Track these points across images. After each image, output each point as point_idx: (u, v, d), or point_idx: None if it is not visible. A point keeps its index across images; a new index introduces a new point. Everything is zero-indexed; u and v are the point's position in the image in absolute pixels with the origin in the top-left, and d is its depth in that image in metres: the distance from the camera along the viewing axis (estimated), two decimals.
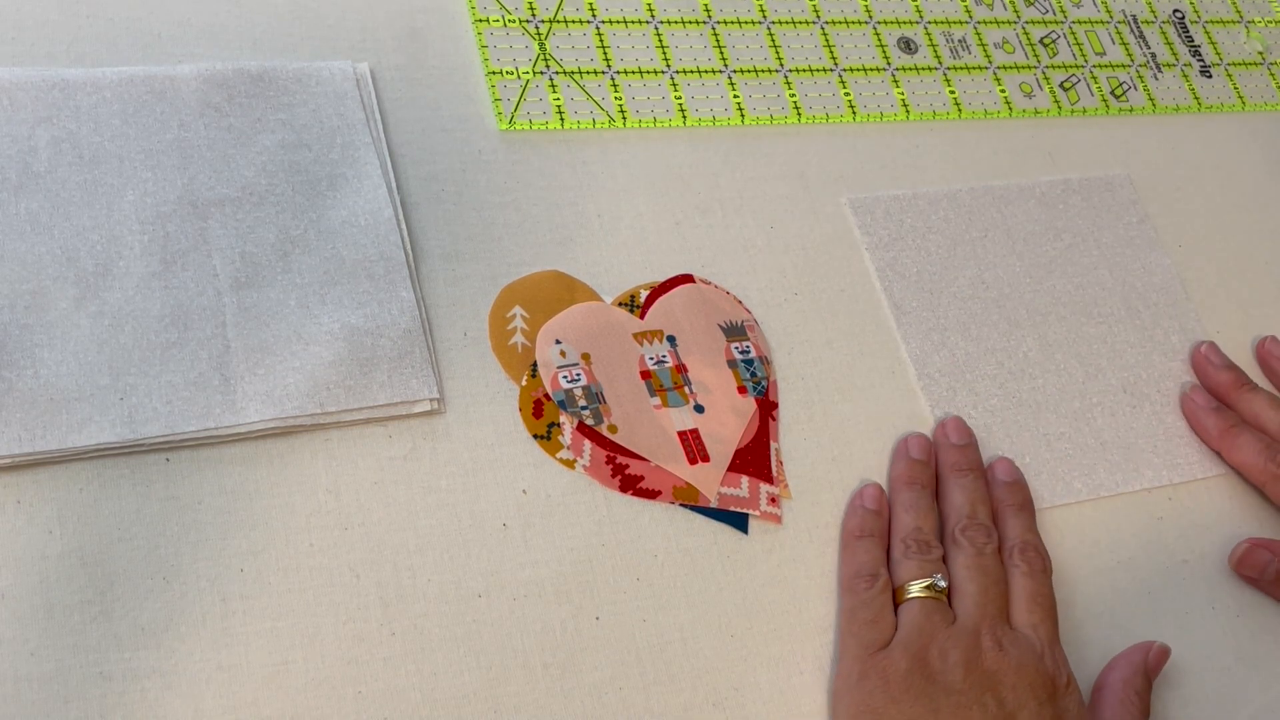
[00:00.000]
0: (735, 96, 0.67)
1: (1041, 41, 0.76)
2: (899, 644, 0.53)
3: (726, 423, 0.58)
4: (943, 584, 0.55)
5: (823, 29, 0.72)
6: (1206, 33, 0.80)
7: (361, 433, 0.54)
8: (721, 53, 0.69)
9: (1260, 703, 0.59)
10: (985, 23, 0.75)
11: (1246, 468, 0.63)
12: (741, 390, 0.59)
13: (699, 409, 0.58)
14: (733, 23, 0.70)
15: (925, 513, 0.57)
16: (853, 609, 0.55)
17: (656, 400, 0.58)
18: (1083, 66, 0.76)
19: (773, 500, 0.57)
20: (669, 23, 0.69)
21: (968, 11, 0.75)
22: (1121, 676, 0.56)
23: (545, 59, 0.65)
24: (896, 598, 0.55)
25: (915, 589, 0.55)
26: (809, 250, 0.65)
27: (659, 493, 0.56)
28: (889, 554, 0.57)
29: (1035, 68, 0.74)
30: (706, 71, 0.68)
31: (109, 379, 0.51)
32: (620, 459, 0.56)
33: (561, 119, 0.64)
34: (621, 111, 0.65)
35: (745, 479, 0.57)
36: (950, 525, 0.58)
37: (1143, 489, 0.63)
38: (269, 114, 0.59)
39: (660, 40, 0.68)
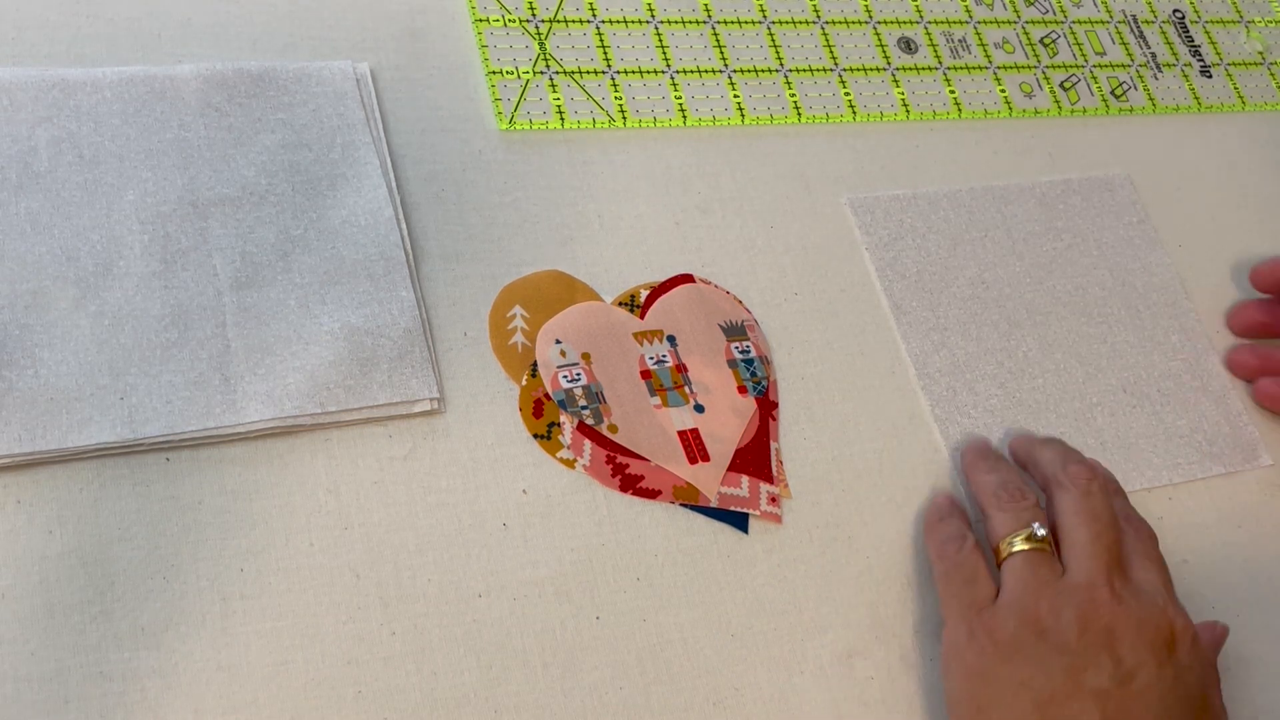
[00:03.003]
0: (735, 96, 0.67)
1: (1041, 41, 0.76)
2: (1005, 603, 0.51)
3: (726, 422, 0.58)
4: (1042, 532, 0.52)
5: (823, 29, 0.72)
6: (1206, 33, 0.80)
7: (361, 433, 0.54)
8: (721, 53, 0.69)
9: (1260, 703, 0.59)
10: (985, 23, 0.75)
11: None
12: (741, 390, 0.59)
13: (699, 409, 0.58)
14: (733, 23, 0.70)
15: (1008, 469, 0.56)
16: (946, 573, 0.53)
17: (656, 400, 0.58)
18: (1083, 66, 0.76)
19: (773, 500, 0.57)
20: (669, 23, 0.69)
21: (968, 11, 0.75)
22: None
23: (545, 59, 0.65)
24: (997, 557, 0.53)
25: (1016, 543, 0.52)
26: (809, 250, 0.65)
27: (659, 492, 0.56)
28: (982, 516, 0.55)
29: (1035, 68, 0.74)
30: (706, 71, 0.68)
31: (109, 379, 0.51)
32: (620, 459, 0.56)
33: (561, 119, 0.64)
34: (621, 111, 0.65)
35: (745, 479, 0.57)
36: (1048, 472, 0.56)
37: (1143, 489, 0.63)
38: (269, 114, 0.59)
39: (660, 40, 0.68)
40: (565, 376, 0.57)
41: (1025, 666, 0.49)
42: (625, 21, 0.68)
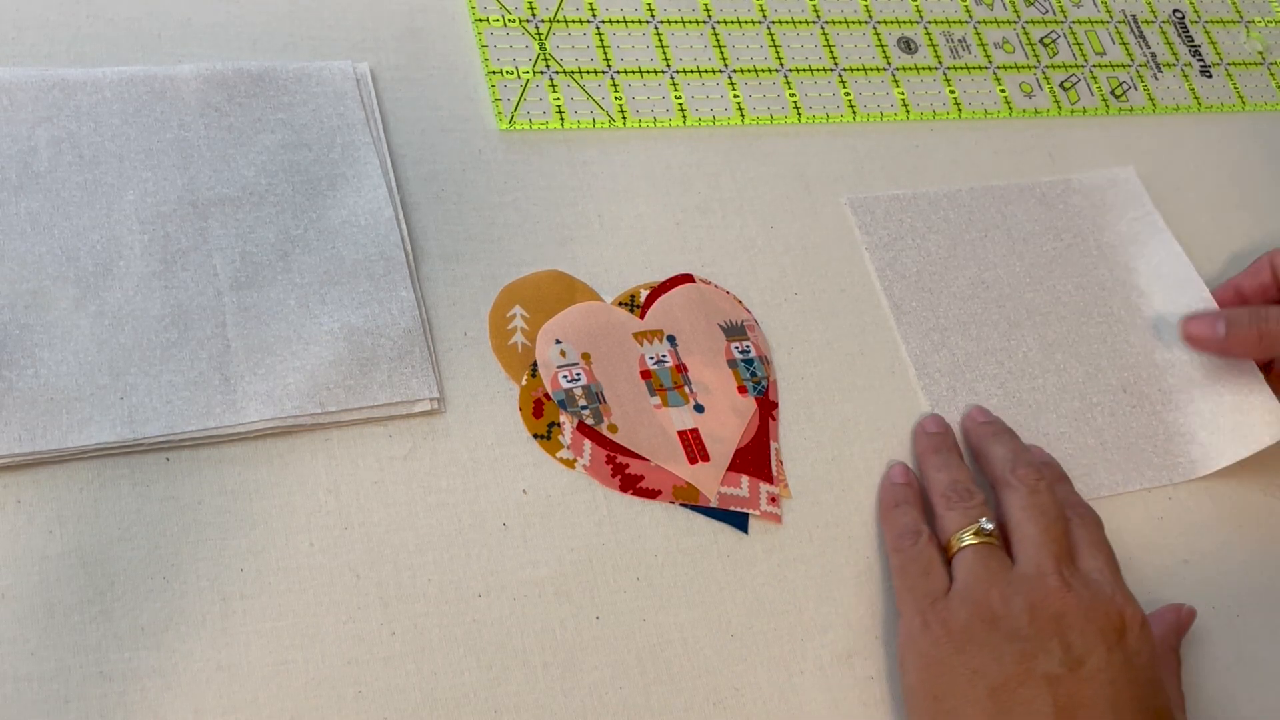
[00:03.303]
0: (735, 96, 0.67)
1: (1041, 41, 0.76)
2: (957, 594, 0.53)
3: (726, 422, 0.58)
4: (989, 526, 0.54)
5: (823, 29, 0.72)
6: (1206, 33, 0.80)
7: (361, 433, 0.54)
8: (721, 53, 0.69)
9: (1260, 702, 0.59)
10: (985, 23, 0.75)
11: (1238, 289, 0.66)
12: (741, 390, 0.59)
13: (699, 409, 0.58)
14: (733, 23, 0.70)
15: (957, 468, 0.58)
16: (902, 566, 0.55)
17: (656, 400, 0.58)
18: (1083, 66, 0.76)
19: (773, 500, 0.57)
20: (669, 23, 0.69)
21: (968, 11, 0.75)
22: (1159, 634, 0.56)
23: (545, 59, 0.65)
24: (947, 553, 0.54)
25: (965, 538, 0.54)
26: (809, 250, 0.65)
27: (659, 492, 0.56)
28: (931, 515, 0.56)
29: (1035, 68, 0.74)
30: (706, 71, 0.68)
31: (109, 379, 0.51)
32: (620, 458, 0.56)
33: (561, 119, 0.64)
34: (621, 111, 0.65)
35: (745, 478, 0.57)
36: (997, 472, 0.57)
37: (1143, 489, 0.63)
38: (269, 114, 0.59)
39: (660, 40, 0.68)
40: (565, 376, 0.57)
41: (978, 655, 0.51)
42: (625, 21, 0.68)
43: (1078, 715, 0.50)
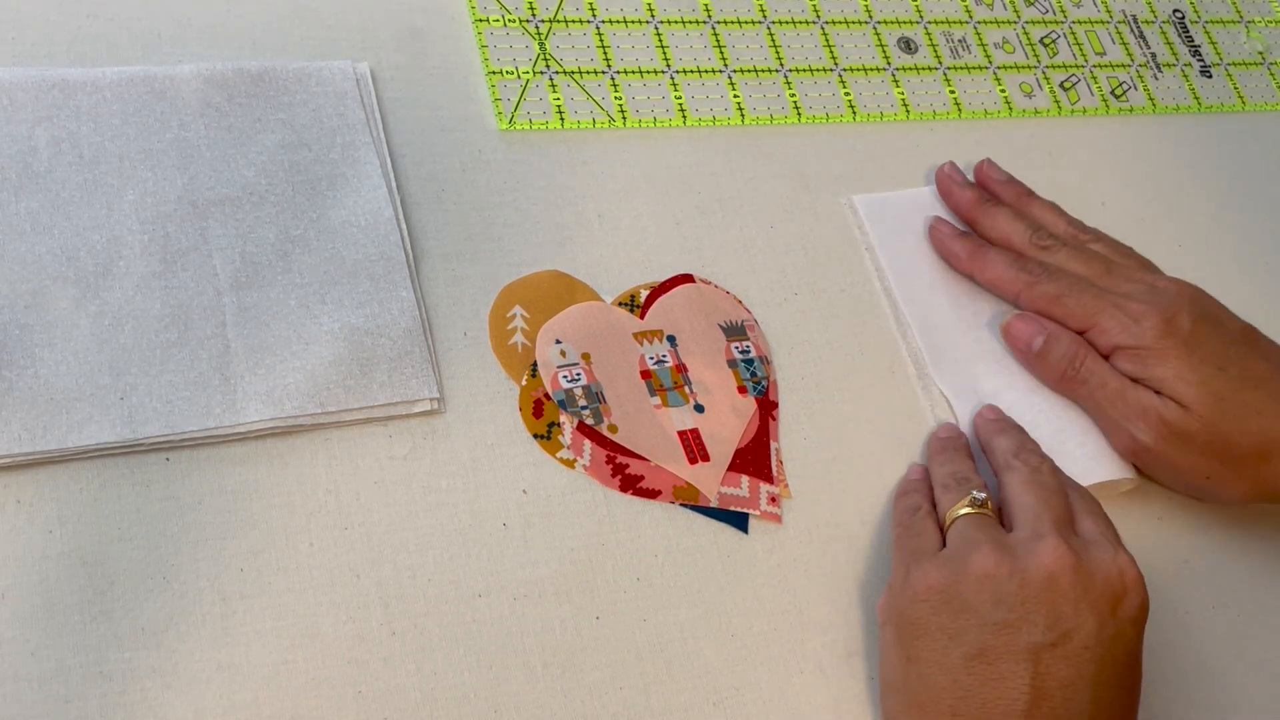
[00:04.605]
0: (735, 96, 0.67)
1: (1041, 41, 0.76)
2: (945, 555, 0.52)
3: (726, 422, 0.58)
4: (981, 495, 0.54)
5: (823, 29, 0.72)
6: (1206, 33, 0.80)
7: (361, 433, 0.54)
8: (721, 53, 0.69)
9: (1260, 703, 0.59)
10: (985, 23, 0.75)
11: (999, 283, 0.63)
12: (741, 390, 0.59)
13: (699, 409, 0.58)
14: (733, 23, 0.70)
15: (958, 461, 0.58)
16: (900, 536, 0.55)
17: (656, 400, 0.58)
18: (1083, 66, 0.76)
19: (773, 500, 0.57)
20: (669, 23, 0.69)
21: (968, 11, 0.75)
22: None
23: (545, 59, 0.65)
24: (943, 527, 0.54)
25: (959, 509, 0.54)
26: (809, 250, 0.65)
27: (659, 492, 0.56)
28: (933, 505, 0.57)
29: (1035, 68, 0.74)
30: (706, 71, 0.68)
31: (109, 379, 0.51)
32: (620, 459, 0.56)
33: (561, 119, 0.64)
34: (621, 111, 0.65)
35: (745, 479, 0.57)
36: (1000, 460, 0.57)
37: (1145, 487, 0.63)
38: (269, 114, 0.59)
39: (660, 40, 0.68)
40: (565, 376, 0.57)
41: (960, 617, 0.49)
42: (625, 21, 0.68)
43: (1054, 696, 0.47)
